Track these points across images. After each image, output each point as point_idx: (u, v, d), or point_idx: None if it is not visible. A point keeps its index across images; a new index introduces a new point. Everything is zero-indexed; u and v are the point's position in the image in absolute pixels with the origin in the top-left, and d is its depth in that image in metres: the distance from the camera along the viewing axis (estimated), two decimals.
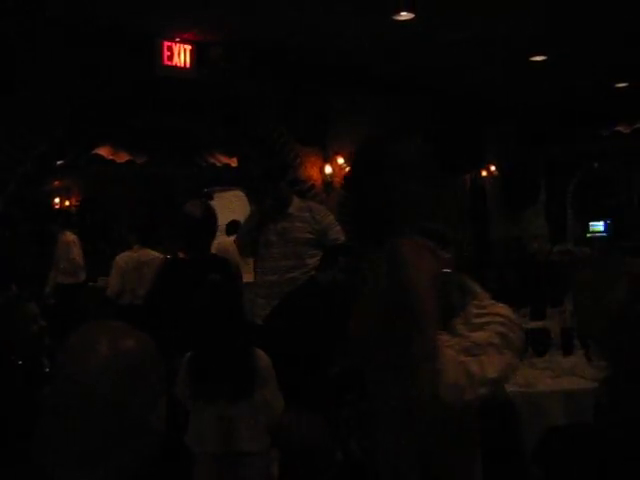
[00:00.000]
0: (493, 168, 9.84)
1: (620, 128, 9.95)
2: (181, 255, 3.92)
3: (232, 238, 9.84)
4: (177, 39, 6.21)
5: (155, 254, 6.38)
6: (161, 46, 6.15)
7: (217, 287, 3.22)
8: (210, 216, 3.97)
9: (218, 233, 9.76)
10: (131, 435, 1.21)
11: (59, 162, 8.56)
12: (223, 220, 10.86)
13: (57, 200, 11.09)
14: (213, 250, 8.35)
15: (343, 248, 3.97)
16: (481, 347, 1.73)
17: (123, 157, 8.85)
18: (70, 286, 7.53)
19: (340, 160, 7.85)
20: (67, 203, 11.18)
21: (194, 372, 2.94)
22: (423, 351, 1.67)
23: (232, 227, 10.36)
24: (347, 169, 7.91)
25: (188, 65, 6.29)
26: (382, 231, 1.54)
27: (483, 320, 1.80)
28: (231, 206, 11.89)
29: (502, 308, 1.84)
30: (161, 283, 3.96)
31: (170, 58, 6.18)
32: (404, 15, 5.96)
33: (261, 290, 4.63)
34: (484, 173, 9.78)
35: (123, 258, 6.48)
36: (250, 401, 2.88)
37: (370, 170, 1.77)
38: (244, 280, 6.89)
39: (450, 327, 1.77)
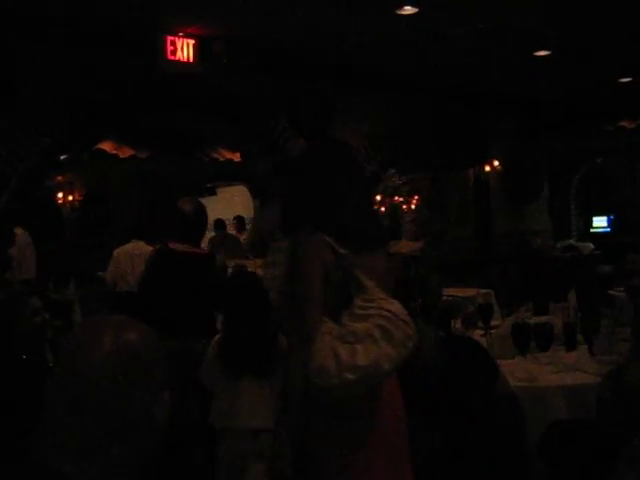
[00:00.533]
0: (496, 163, 9.83)
1: (624, 123, 9.94)
2: (171, 246, 4.05)
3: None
4: (180, 34, 6.21)
5: (148, 247, 6.50)
6: (164, 41, 6.14)
7: (248, 275, 3.61)
8: (201, 213, 4.11)
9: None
10: (134, 428, 1.20)
11: (62, 157, 8.56)
12: (226, 215, 10.91)
13: (60, 195, 11.10)
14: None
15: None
16: (357, 336, 1.81)
17: (126, 152, 8.84)
18: None
19: None
20: (70, 198, 11.18)
21: (224, 353, 3.15)
22: (302, 334, 1.85)
23: (239, 222, 10.44)
24: None
25: (191, 59, 6.28)
26: (291, 225, 1.72)
27: (367, 312, 1.88)
28: (234, 201, 11.91)
29: (392, 304, 1.89)
30: (150, 271, 4.11)
31: (173, 53, 6.17)
32: (407, 9, 5.95)
33: (270, 284, 4.63)
34: (487, 168, 9.76)
35: (118, 250, 7.13)
36: (272, 381, 3.06)
37: (296, 169, 1.88)
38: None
39: (338, 317, 1.89)
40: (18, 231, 7.46)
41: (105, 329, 1.24)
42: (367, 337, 1.81)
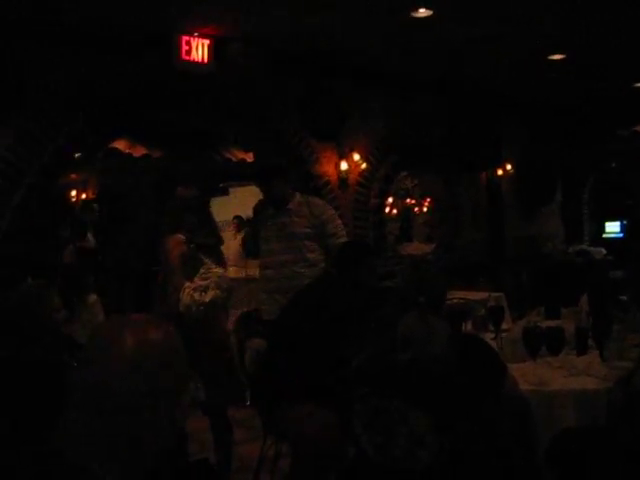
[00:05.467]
0: (509, 167, 9.80)
1: (638, 128, 9.89)
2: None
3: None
4: (195, 34, 6.23)
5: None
6: (179, 40, 6.16)
7: None
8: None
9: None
10: (158, 431, 1.19)
11: (76, 155, 8.63)
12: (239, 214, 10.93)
13: (74, 193, 11.18)
14: None
15: (367, 247, 4.08)
16: (203, 287, 3.76)
17: (140, 151, 8.89)
18: None
19: (356, 156, 7.85)
20: (84, 196, 11.25)
21: None
22: (173, 288, 3.79)
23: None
24: (363, 166, 7.92)
25: (206, 60, 6.30)
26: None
27: (207, 275, 3.82)
28: (246, 201, 11.94)
29: (219, 270, 3.89)
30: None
31: (188, 53, 6.19)
32: (422, 12, 5.95)
33: (263, 285, 4.74)
34: (500, 172, 9.74)
35: None
36: None
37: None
38: (251, 275, 7.08)
39: (192, 278, 3.81)
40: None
41: (126, 328, 1.21)
42: (208, 288, 3.76)
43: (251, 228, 5.13)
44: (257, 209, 4.94)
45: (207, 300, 3.74)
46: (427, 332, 2.49)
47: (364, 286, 3.60)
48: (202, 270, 3.84)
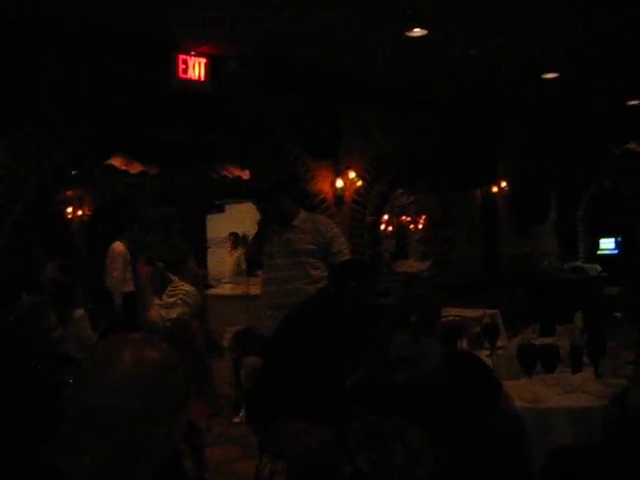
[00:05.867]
0: (504, 184, 9.85)
1: (632, 146, 9.96)
2: None
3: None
4: (192, 52, 6.27)
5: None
6: (176, 59, 6.20)
7: None
8: None
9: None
10: (153, 449, 1.19)
11: (73, 172, 8.64)
12: (233, 231, 10.95)
13: (69, 210, 11.18)
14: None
15: (367, 264, 4.16)
16: (170, 304, 3.96)
17: (136, 168, 8.90)
18: None
19: (351, 174, 7.88)
20: (79, 212, 11.26)
21: None
22: (142, 305, 3.98)
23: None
24: (358, 183, 7.95)
25: (203, 78, 6.34)
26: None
27: (174, 292, 4.01)
28: (242, 218, 11.98)
29: (186, 287, 4.07)
30: None
31: (185, 71, 6.23)
32: (417, 31, 6.01)
33: (266, 301, 4.74)
34: (495, 189, 9.79)
35: None
36: None
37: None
38: (252, 292, 7.07)
39: (160, 295, 4.01)
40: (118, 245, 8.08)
41: (125, 347, 1.22)
42: (174, 304, 3.95)
43: (254, 243, 5.14)
44: (262, 224, 4.98)
45: (173, 316, 3.93)
46: (419, 351, 2.50)
47: (364, 303, 3.61)
48: (169, 287, 4.07)
